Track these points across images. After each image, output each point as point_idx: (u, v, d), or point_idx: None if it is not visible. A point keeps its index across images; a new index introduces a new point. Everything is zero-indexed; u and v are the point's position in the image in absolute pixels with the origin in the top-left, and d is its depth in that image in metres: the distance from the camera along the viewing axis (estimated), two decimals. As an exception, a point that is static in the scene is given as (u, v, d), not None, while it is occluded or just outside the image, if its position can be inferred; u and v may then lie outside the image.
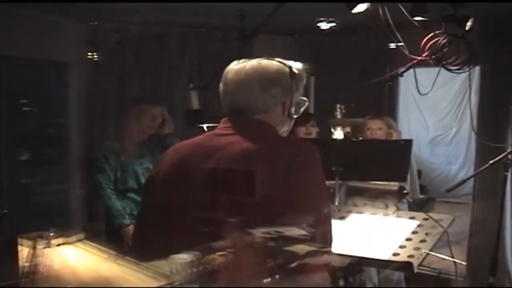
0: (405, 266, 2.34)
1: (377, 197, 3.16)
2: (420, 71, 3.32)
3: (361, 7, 2.99)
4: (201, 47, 5.25)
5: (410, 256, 2.36)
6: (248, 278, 1.23)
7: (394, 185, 3.24)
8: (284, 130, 1.79)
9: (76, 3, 3.89)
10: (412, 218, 2.68)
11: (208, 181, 1.61)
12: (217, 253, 1.23)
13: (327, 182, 3.63)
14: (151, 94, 5.00)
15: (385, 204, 3.14)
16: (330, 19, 4.48)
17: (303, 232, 1.36)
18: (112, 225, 3.58)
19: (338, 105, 3.52)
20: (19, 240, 1.42)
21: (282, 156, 1.60)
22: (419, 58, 3.00)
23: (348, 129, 3.47)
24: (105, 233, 3.69)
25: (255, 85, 1.69)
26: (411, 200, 3.76)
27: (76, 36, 4.66)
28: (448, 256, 2.61)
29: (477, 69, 4.46)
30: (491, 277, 3.04)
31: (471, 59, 3.00)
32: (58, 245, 1.43)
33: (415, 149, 3.98)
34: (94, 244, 1.47)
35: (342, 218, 2.81)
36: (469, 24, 2.93)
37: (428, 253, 2.35)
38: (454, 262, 2.69)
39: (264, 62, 1.73)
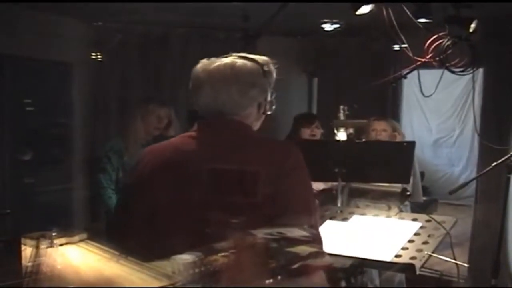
0: (407, 268, 2.34)
1: (379, 198, 3.15)
2: (423, 72, 3.32)
3: (365, 9, 2.99)
4: (204, 47, 5.24)
5: (412, 257, 2.36)
6: (249, 278, 1.23)
7: (397, 187, 3.22)
8: (257, 126, 1.79)
9: (79, 4, 3.89)
10: (414, 219, 2.69)
11: (196, 184, 1.60)
12: (219, 254, 1.23)
13: (330, 184, 3.65)
14: (155, 94, 5.00)
15: (388, 206, 3.12)
16: (334, 21, 4.48)
17: (304, 233, 1.36)
18: (112, 225, 3.57)
19: (341, 107, 3.51)
20: (22, 239, 1.42)
21: (271, 158, 1.61)
22: (423, 60, 3.01)
23: (351, 131, 3.45)
24: (105, 233, 3.67)
25: (233, 88, 1.68)
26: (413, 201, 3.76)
27: (80, 37, 4.67)
28: (450, 258, 2.60)
29: (480, 71, 4.45)
30: (493, 279, 3.03)
31: (474, 61, 3.00)
32: (61, 245, 1.43)
33: (418, 150, 3.97)
34: (96, 244, 1.47)
35: (344, 219, 2.81)
36: (473, 26, 2.93)
37: (430, 255, 2.35)
38: (456, 264, 2.68)
39: (238, 63, 1.70)
